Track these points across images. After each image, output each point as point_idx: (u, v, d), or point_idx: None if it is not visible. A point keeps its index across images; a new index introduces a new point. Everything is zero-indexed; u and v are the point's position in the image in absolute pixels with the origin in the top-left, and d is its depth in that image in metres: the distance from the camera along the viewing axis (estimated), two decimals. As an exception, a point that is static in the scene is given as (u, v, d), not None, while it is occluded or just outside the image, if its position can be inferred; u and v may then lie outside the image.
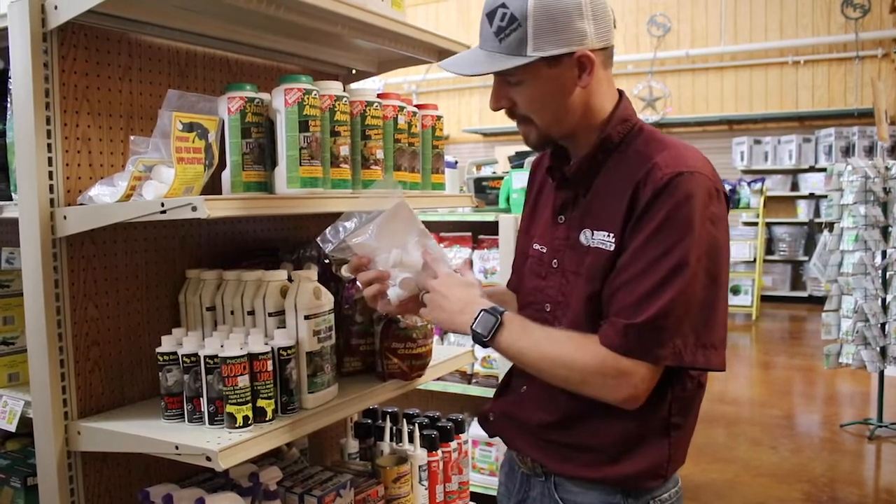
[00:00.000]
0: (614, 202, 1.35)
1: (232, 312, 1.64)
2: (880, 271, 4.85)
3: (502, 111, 1.45)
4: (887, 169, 4.86)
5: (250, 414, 1.45)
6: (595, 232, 1.38)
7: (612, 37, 1.38)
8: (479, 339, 1.38)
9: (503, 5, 1.31)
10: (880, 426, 4.92)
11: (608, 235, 1.35)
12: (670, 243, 1.27)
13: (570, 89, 1.37)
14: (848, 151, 9.37)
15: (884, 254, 4.85)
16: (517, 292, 1.63)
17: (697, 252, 1.27)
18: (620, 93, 1.46)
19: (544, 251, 1.50)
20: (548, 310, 1.46)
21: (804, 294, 10.16)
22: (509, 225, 3.13)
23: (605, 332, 1.32)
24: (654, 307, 1.26)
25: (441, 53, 2.16)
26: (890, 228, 4.83)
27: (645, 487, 1.41)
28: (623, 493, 1.40)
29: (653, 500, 1.42)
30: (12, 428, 1.59)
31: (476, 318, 1.39)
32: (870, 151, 9.08)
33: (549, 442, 1.45)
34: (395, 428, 2.25)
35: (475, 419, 3.52)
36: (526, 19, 1.29)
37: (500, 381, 1.68)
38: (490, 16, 1.34)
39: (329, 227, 1.55)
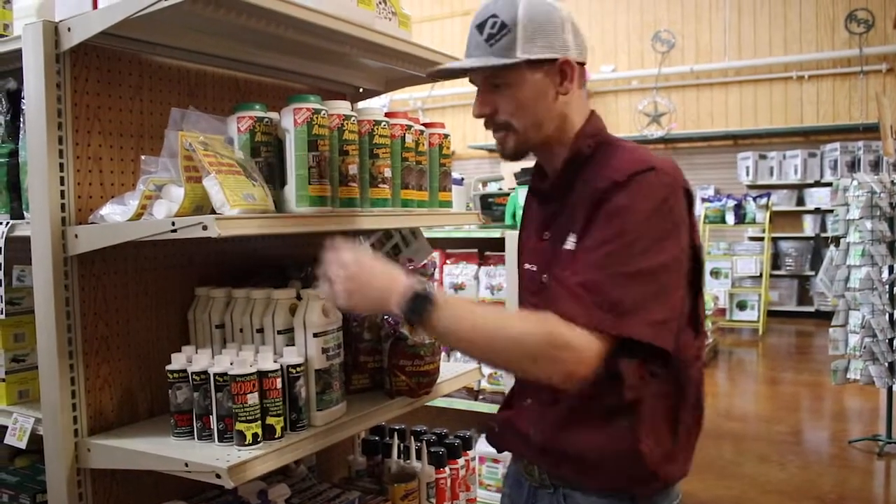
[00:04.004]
0: (581, 209, 1.41)
1: (241, 330, 1.65)
2: (887, 286, 4.83)
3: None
4: (893, 184, 4.85)
5: (260, 431, 1.45)
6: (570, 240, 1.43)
7: (586, 56, 1.49)
8: (410, 321, 1.35)
9: (494, 15, 1.42)
10: (889, 442, 4.89)
11: (573, 236, 1.41)
12: (616, 229, 1.32)
13: (551, 95, 1.45)
14: (853, 166, 9.37)
15: (891, 269, 4.84)
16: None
17: (628, 235, 1.32)
18: (592, 111, 1.53)
19: (535, 269, 1.54)
20: None
21: (811, 309, 10.13)
22: (515, 241, 3.13)
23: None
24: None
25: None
26: (896, 244, 4.82)
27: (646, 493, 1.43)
28: (631, 500, 1.42)
29: None
30: (22, 445, 1.60)
31: (406, 300, 1.33)
32: (875, 166, 9.08)
33: (548, 451, 1.47)
34: (402, 445, 2.25)
35: (482, 436, 3.52)
36: (515, 25, 1.41)
37: (505, 396, 1.70)
38: (480, 26, 1.44)
39: None
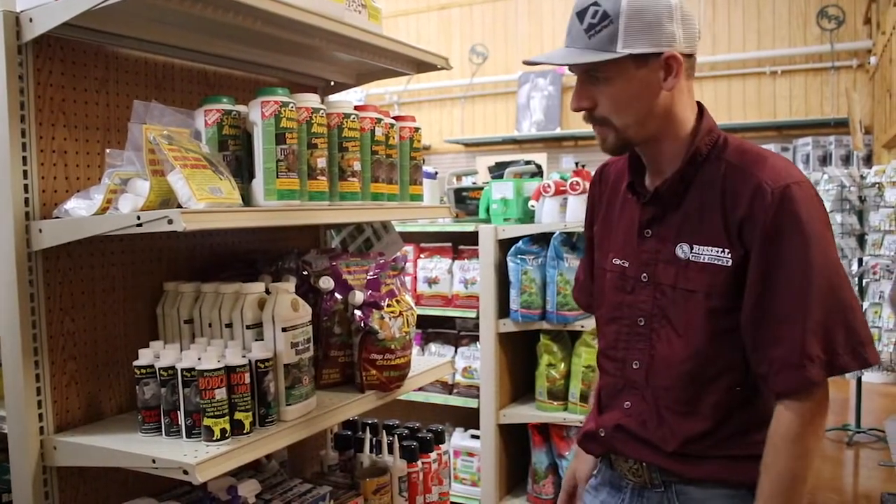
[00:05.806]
0: (718, 216, 1.38)
1: (210, 325, 1.64)
2: (857, 279, 4.90)
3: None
4: (863, 178, 4.92)
5: (228, 427, 1.44)
6: (698, 246, 1.40)
7: (696, 46, 1.41)
8: None
9: (595, 3, 1.33)
10: (858, 432, 4.97)
11: (722, 251, 1.37)
12: (799, 261, 1.31)
13: (655, 91, 1.38)
14: (825, 160, 9.47)
15: (860, 261, 4.91)
16: (596, 308, 1.64)
17: (822, 259, 1.32)
18: (699, 104, 1.48)
19: (627, 265, 1.50)
20: (641, 323, 1.47)
21: (784, 302, 10.21)
22: (489, 235, 3.14)
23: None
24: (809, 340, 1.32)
25: (420, 65, 2.17)
26: (866, 236, 4.89)
27: None
28: (749, 490, 1.41)
29: None
30: (-13, 443, 1.58)
31: None
32: (846, 160, 9.19)
33: (676, 454, 1.44)
34: (374, 439, 2.25)
35: (457, 429, 3.52)
36: (618, 17, 1.32)
37: (591, 401, 1.65)
38: (581, 14, 1.36)
39: None
